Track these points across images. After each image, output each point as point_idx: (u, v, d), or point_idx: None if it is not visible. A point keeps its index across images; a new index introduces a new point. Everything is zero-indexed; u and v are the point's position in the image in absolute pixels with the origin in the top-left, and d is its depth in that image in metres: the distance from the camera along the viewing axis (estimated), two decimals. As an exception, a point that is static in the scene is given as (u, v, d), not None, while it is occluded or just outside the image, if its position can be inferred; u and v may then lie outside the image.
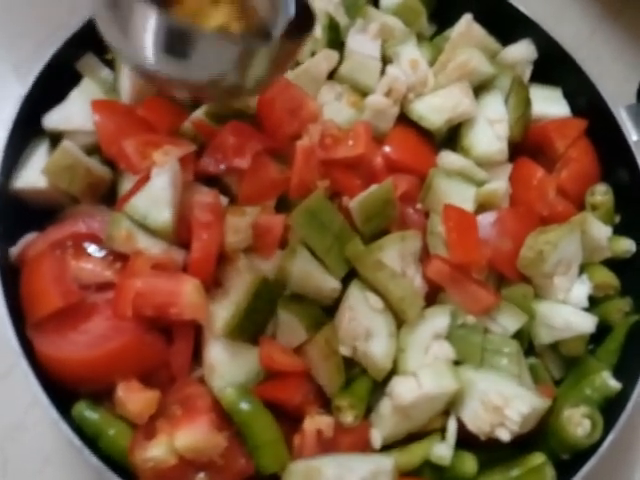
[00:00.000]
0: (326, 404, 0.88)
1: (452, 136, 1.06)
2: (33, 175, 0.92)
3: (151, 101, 0.99)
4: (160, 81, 0.82)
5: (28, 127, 0.95)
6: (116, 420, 0.83)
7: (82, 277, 0.87)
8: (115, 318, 0.83)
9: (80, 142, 0.95)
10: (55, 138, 0.96)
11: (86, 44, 1.01)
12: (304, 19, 0.82)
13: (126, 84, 0.99)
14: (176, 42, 0.73)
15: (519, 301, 0.95)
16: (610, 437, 0.87)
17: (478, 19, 1.11)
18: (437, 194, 0.98)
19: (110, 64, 1.03)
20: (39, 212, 0.94)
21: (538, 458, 0.88)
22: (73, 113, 0.97)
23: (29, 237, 0.91)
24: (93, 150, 0.96)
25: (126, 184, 0.94)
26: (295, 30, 0.83)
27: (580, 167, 1.05)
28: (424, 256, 0.96)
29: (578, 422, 0.88)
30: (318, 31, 1.05)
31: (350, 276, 0.92)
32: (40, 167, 0.92)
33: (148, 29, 0.72)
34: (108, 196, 0.97)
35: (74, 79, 1.00)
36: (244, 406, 0.83)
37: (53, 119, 0.96)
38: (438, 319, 0.91)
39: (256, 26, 0.84)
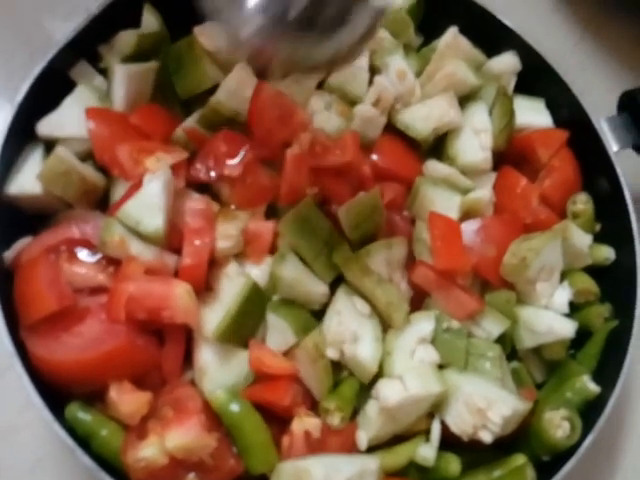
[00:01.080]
0: (314, 406, 0.90)
1: (438, 145, 1.08)
2: (28, 181, 0.94)
3: (144, 109, 1.01)
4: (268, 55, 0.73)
5: (22, 134, 0.96)
6: (108, 421, 0.85)
7: (75, 281, 0.89)
8: (108, 321, 0.85)
9: (74, 149, 0.96)
10: (49, 144, 0.97)
11: (80, 52, 1.03)
12: None
13: (119, 92, 1.00)
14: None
15: (502, 306, 0.98)
16: (589, 439, 0.90)
17: (464, 31, 1.14)
18: (423, 202, 1.01)
19: (103, 72, 1.04)
20: (33, 217, 0.96)
21: (519, 459, 0.91)
22: (67, 120, 0.98)
23: (23, 241, 0.92)
24: (87, 156, 0.98)
25: (119, 190, 0.96)
26: None
27: (562, 176, 1.08)
28: (410, 262, 0.98)
29: (558, 424, 0.90)
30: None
31: (338, 281, 0.95)
32: (34, 173, 0.93)
33: None
34: (102, 202, 0.98)
35: (68, 86, 1.01)
36: (234, 408, 0.85)
37: (47, 126, 0.98)
38: (423, 324, 0.93)
39: None
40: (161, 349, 0.88)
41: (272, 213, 0.98)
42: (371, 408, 0.89)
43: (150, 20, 1.06)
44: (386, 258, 0.96)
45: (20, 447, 0.96)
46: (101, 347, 0.83)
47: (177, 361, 0.88)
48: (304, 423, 0.86)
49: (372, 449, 0.89)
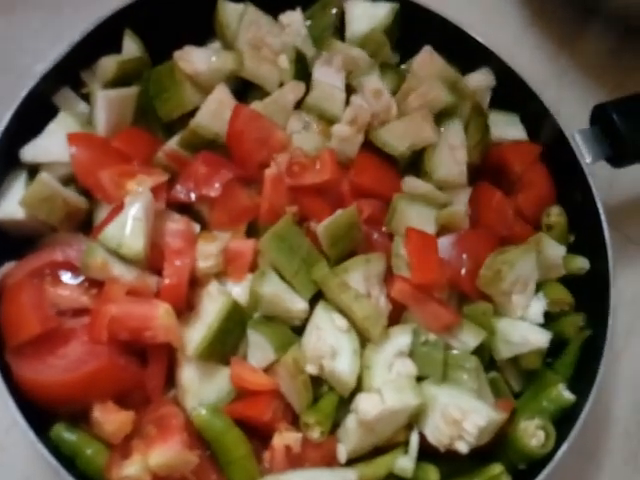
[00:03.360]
0: (295, 420, 0.92)
1: (415, 161, 1.11)
2: (12, 206, 0.96)
3: (126, 132, 1.04)
4: None
5: (6, 160, 0.99)
6: (93, 440, 0.87)
7: (59, 303, 0.91)
8: (91, 342, 0.87)
9: (57, 173, 0.99)
10: (33, 170, 1.00)
11: (62, 78, 1.05)
12: None
13: (101, 117, 1.03)
14: None
15: (479, 318, 1.00)
16: (564, 446, 0.92)
17: (439, 48, 1.16)
18: (401, 217, 1.03)
19: (86, 98, 1.07)
20: (18, 241, 0.98)
21: (496, 468, 0.93)
22: (50, 146, 1.00)
23: (8, 265, 0.95)
24: (70, 181, 1.00)
25: (102, 212, 0.98)
26: None
27: (536, 190, 1.10)
28: (388, 277, 1.00)
29: (533, 433, 0.92)
30: (285, 63, 1.10)
31: (318, 297, 0.97)
32: (18, 198, 0.96)
33: None
34: (85, 224, 1.00)
35: (51, 113, 1.04)
36: (215, 424, 0.87)
37: (30, 152, 1.00)
38: (401, 337, 0.95)
39: None
40: (144, 368, 0.90)
41: (253, 232, 1.01)
42: (350, 421, 0.91)
43: (131, 46, 1.09)
44: (364, 273, 0.98)
45: (7, 466, 0.98)
46: (84, 368, 0.85)
47: (160, 380, 0.90)
48: (285, 438, 0.88)
49: (352, 461, 0.91)
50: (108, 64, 1.06)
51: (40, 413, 0.87)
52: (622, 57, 1.40)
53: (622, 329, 1.15)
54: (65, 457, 0.85)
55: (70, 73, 1.07)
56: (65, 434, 0.87)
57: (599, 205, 1.07)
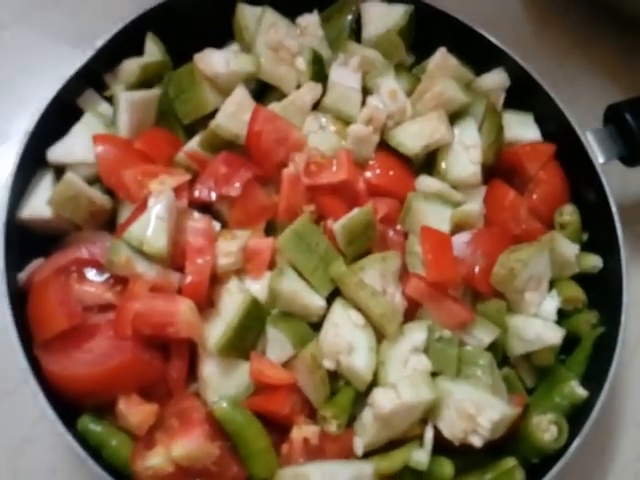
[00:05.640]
0: (313, 414, 0.94)
1: (429, 160, 1.12)
2: (39, 205, 0.99)
3: (148, 134, 1.07)
4: None
5: (33, 161, 1.02)
6: (118, 432, 0.90)
7: (85, 299, 0.94)
8: (116, 337, 0.90)
9: (82, 173, 1.02)
10: (59, 170, 1.03)
11: (87, 81, 1.08)
12: None
13: (124, 118, 1.05)
14: None
15: (493, 315, 1.02)
16: (577, 441, 0.93)
17: (454, 50, 1.18)
18: (415, 216, 1.05)
19: (109, 100, 1.10)
20: (44, 239, 1.01)
21: (509, 462, 0.95)
22: (75, 146, 1.03)
23: (35, 263, 0.98)
24: (94, 180, 1.03)
25: (126, 212, 1.01)
26: None
27: (550, 189, 1.12)
28: (404, 274, 1.02)
29: (546, 428, 0.94)
30: (303, 65, 1.12)
31: (335, 294, 0.99)
32: (45, 198, 0.99)
33: None
34: (109, 223, 1.03)
35: (76, 114, 1.07)
36: (236, 417, 0.89)
37: (57, 152, 1.03)
38: (416, 334, 0.97)
39: None
40: (167, 363, 0.93)
41: (271, 230, 1.03)
42: (367, 415, 0.93)
43: (153, 49, 1.12)
44: (380, 271, 1.00)
45: (35, 458, 1.01)
46: (109, 362, 0.88)
47: (182, 374, 0.93)
48: (303, 431, 0.91)
49: (368, 454, 0.93)
50: (131, 67, 1.09)
51: (66, 406, 0.90)
52: (635, 57, 1.41)
53: (634, 326, 1.16)
54: (91, 448, 0.88)
55: (94, 76, 1.09)
56: (91, 425, 0.90)
57: (612, 204, 1.09)
